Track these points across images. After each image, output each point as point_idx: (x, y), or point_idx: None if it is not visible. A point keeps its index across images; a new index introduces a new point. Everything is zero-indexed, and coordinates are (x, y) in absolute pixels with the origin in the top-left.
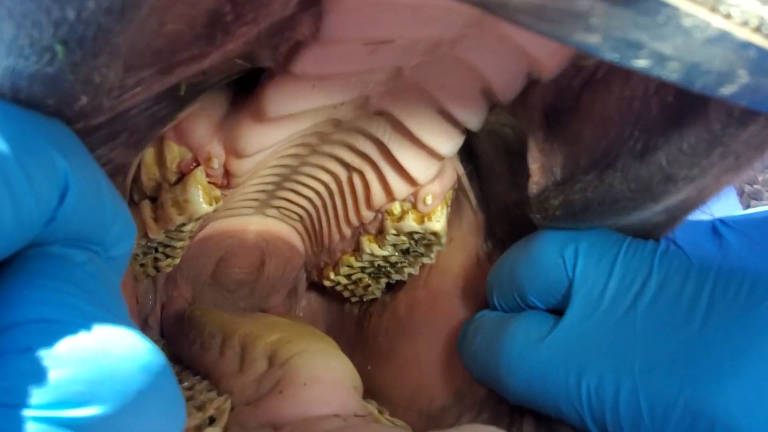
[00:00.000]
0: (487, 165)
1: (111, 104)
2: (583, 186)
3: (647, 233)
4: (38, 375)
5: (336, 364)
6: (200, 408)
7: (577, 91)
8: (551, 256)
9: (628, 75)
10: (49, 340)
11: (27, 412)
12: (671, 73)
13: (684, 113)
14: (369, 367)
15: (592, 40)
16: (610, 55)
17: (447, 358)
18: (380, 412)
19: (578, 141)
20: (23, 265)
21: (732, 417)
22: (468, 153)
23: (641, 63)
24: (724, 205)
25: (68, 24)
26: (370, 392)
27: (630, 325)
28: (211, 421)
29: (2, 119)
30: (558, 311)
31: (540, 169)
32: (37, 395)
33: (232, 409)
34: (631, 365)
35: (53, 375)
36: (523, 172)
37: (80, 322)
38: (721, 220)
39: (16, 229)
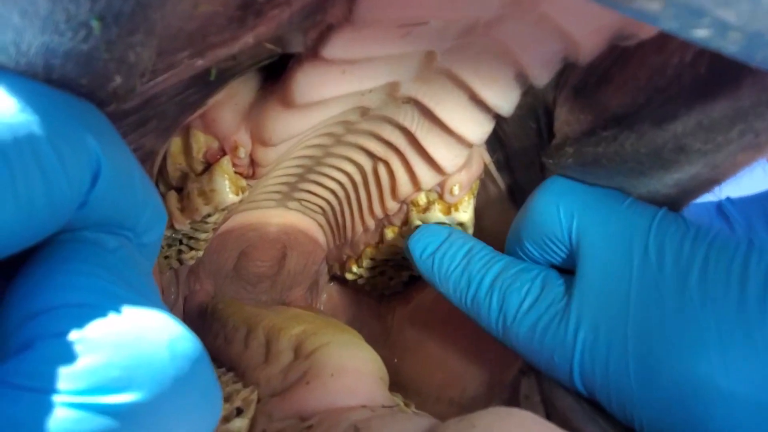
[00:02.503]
0: (518, 151)
1: (143, 88)
2: (597, 140)
3: (656, 205)
4: (72, 360)
5: (362, 355)
6: (227, 399)
7: (608, 64)
8: (547, 205)
9: (661, 46)
10: (83, 325)
11: (61, 398)
12: (731, 44)
13: (713, 86)
14: (396, 360)
15: (652, 7)
16: (669, 24)
17: (477, 347)
18: (406, 404)
19: (606, 110)
20: (56, 250)
21: (715, 387)
22: (496, 140)
23: (701, 33)
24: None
25: None
26: (397, 385)
27: (626, 284)
28: (239, 412)
29: (35, 100)
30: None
31: (562, 134)
32: (71, 381)
33: (258, 400)
34: (624, 325)
35: (88, 360)
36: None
37: (114, 306)
38: (729, 199)
39: (49, 212)
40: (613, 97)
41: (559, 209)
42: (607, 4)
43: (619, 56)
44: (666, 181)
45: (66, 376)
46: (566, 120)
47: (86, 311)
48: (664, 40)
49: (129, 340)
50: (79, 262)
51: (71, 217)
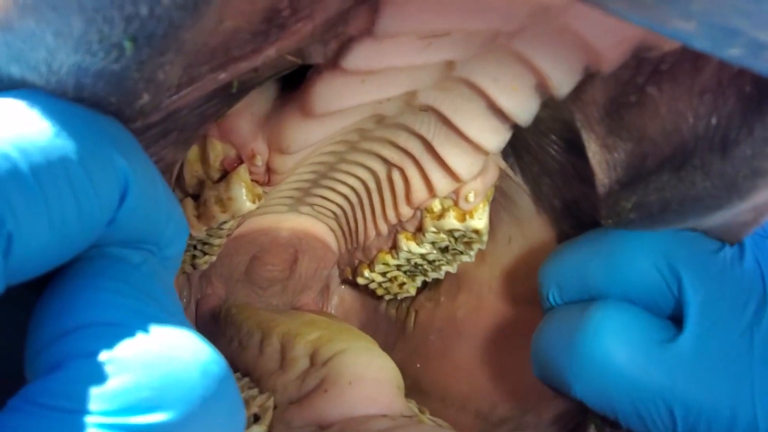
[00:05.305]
0: (541, 159)
1: (166, 102)
2: (659, 186)
3: (732, 234)
4: (103, 380)
5: (380, 362)
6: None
7: (640, 84)
8: (643, 266)
9: (697, 66)
10: (113, 345)
11: (92, 419)
12: (764, 62)
13: (765, 101)
14: (418, 365)
15: (686, 27)
16: (702, 44)
17: (510, 367)
18: (421, 411)
19: (643, 137)
20: (83, 267)
21: None
22: (511, 146)
23: (734, 52)
24: None
25: (140, 20)
26: (420, 390)
27: (746, 347)
28: (256, 419)
29: (67, 122)
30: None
31: (601, 164)
32: (102, 401)
33: (275, 407)
34: (750, 387)
35: (118, 381)
36: (585, 166)
37: (142, 325)
38: None
39: (80, 232)
40: (651, 122)
41: (661, 271)
42: (640, 23)
43: (651, 75)
44: (742, 208)
45: (97, 397)
46: (603, 144)
47: (115, 330)
48: (694, 65)
49: (158, 361)
50: (107, 278)
51: (99, 234)
